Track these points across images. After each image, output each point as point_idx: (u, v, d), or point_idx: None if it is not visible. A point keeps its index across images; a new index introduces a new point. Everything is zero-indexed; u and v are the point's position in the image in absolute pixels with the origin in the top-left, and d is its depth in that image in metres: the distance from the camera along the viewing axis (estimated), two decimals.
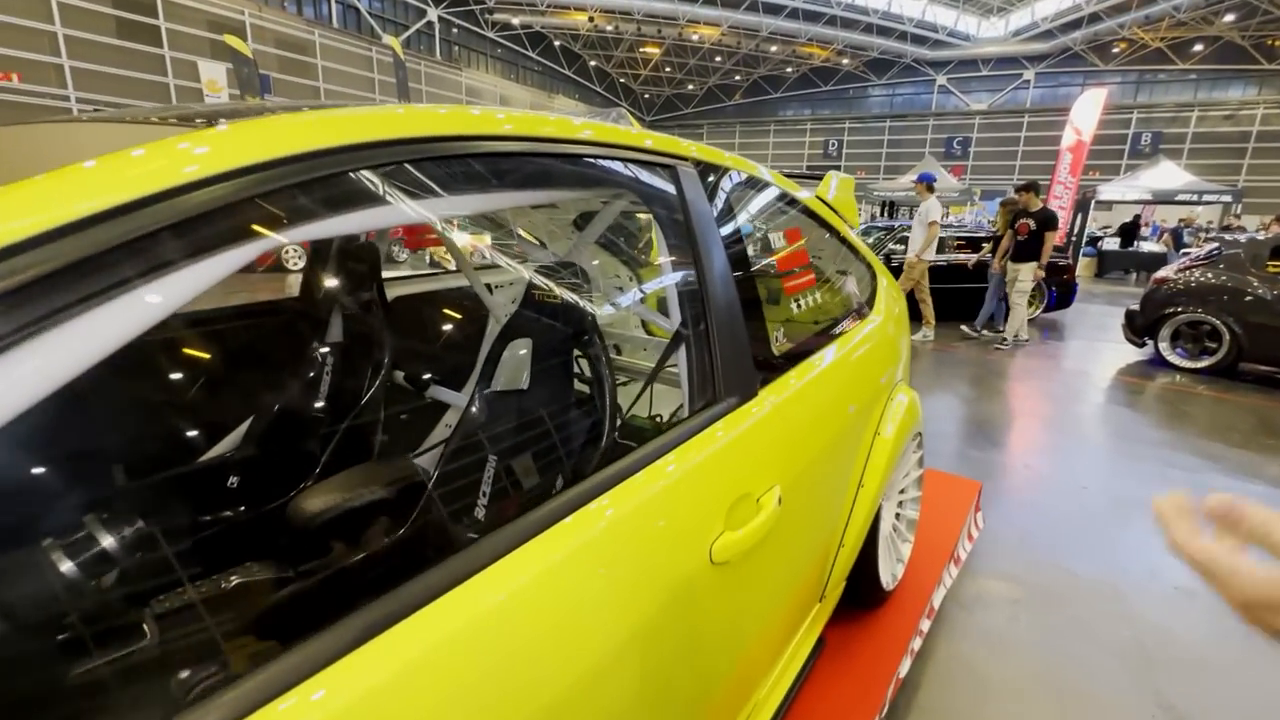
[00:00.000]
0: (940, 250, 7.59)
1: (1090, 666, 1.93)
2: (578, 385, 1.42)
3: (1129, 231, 14.40)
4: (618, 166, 1.04)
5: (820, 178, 2.19)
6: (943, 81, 31.37)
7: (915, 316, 6.24)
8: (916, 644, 1.88)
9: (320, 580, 1.25)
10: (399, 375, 1.82)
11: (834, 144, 33.67)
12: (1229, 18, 23.76)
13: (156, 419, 1.52)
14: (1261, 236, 5.79)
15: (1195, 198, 14.22)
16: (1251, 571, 0.41)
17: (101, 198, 0.48)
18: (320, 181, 0.63)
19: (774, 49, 31.12)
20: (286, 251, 8.29)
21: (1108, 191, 14.13)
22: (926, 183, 6.39)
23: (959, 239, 7.80)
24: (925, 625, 1.97)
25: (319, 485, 1.43)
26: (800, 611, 1.42)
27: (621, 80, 36.70)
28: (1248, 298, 5.26)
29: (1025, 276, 6.15)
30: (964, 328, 6.95)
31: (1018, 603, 2.23)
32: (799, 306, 1.50)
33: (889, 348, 1.92)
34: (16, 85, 13.53)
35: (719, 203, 1.25)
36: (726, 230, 1.23)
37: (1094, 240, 14.96)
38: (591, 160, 0.99)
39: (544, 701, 0.67)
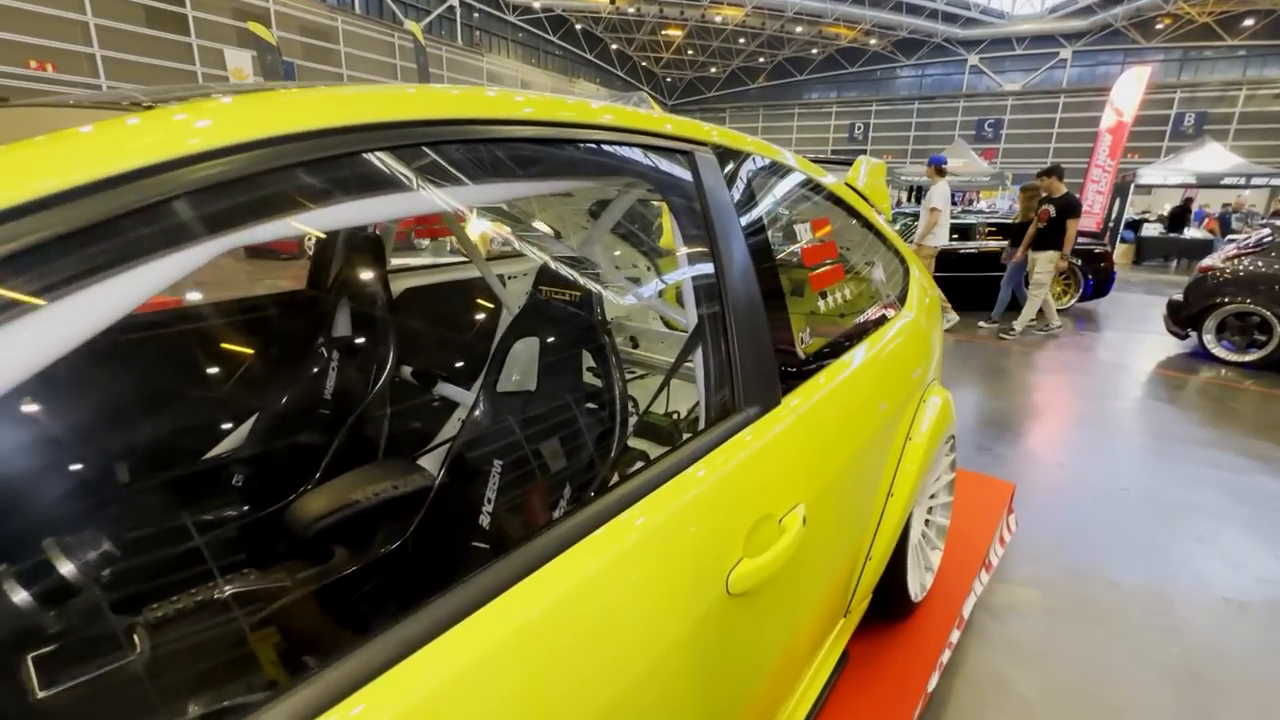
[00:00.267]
0: (968, 237, 7.32)
1: (1133, 686, 1.81)
2: (589, 388, 1.34)
3: (1178, 216, 13.78)
4: (628, 151, 0.94)
5: (849, 163, 2.08)
6: (974, 61, 30.28)
7: None
8: (945, 656, 1.78)
9: (327, 592, 1.20)
10: (406, 371, 1.76)
11: (860, 127, 32.81)
12: None
13: (161, 418, 1.48)
14: None
15: (1243, 181, 13.54)
16: None
17: (67, 175, 0.43)
18: (321, 163, 0.56)
19: (799, 29, 30.32)
20: (309, 239, 8.34)
21: (1148, 175, 13.51)
22: (936, 165, 6.13)
23: (989, 225, 7.52)
24: (955, 637, 1.87)
25: (319, 488, 1.38)
26: (823, 629, 1.33)
27: (643, 64, 36.18)
28: None
29: (1043, 266, 5.86)
30: (982, 323, 6.58)
31: (1053, 613, 2.11)
32: (826, 302, 1.40)
33: (921, 344, 1.81)
34: (52, 75, 13.78)
35: (739, 190, 1.14)
36: (747, 220, 1.13)
37: (1133, 225, 14.37)
38: (595, 145, 0.89)
39: None
